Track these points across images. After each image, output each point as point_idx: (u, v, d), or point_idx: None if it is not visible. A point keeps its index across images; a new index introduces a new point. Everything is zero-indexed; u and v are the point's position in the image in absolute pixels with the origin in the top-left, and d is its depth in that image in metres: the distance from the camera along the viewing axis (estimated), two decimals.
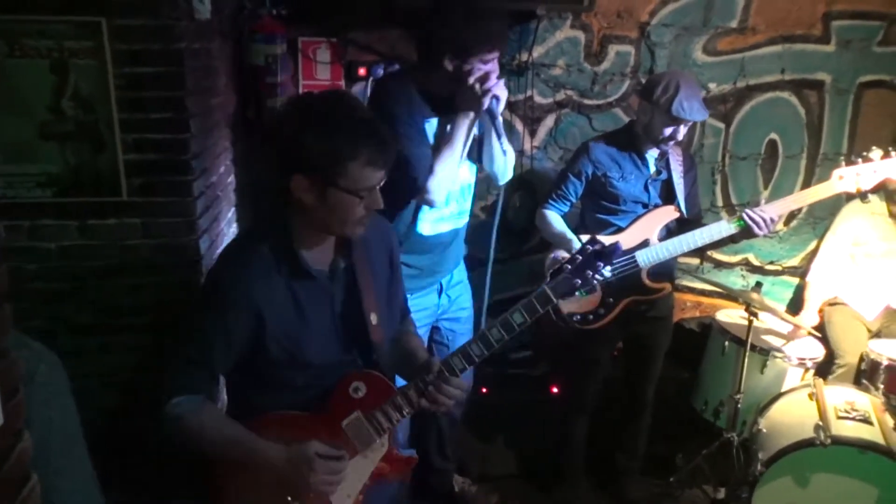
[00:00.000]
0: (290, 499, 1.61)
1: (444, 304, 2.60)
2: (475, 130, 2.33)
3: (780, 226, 3.81)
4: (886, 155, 2.60)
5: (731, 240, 2.72)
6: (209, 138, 2.26)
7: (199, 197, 2.09)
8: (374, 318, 1.67)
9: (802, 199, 2.75)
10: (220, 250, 2.34)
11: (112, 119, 1.95)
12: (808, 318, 3.41)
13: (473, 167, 2.46)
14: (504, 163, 2.43)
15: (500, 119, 2.26)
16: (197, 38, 2.12)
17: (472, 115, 2.21)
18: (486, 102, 2.16)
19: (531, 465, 3.28)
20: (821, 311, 3.49)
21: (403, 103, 2.20)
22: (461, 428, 3.03)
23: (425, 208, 2.33)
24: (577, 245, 2.67)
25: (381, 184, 1.57)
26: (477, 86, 2.14)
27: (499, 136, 2.27)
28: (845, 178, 2.62)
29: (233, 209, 2.65)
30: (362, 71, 3.13)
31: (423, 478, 2.82)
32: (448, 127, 2.24)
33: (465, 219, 2.55)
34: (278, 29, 2.80)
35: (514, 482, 3.23)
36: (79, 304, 2.06)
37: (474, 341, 1.66)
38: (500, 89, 2.18)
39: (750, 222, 2.59)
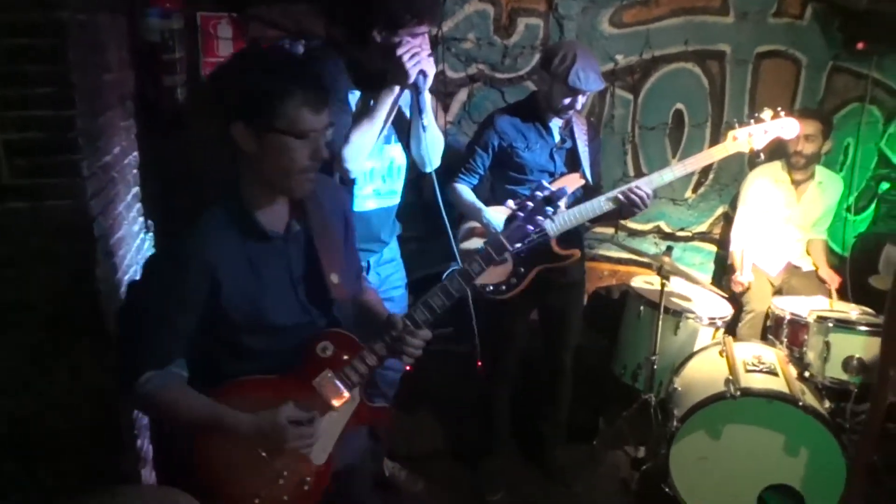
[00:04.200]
0: (265, 455, 1.64)
1: (373, 282, 2.56)
2: (406, 110, 2.29)
3: (688, 193, 3.95)
4: (776, 115, 2.71)
5: (619, 215, 2.77)
6: (100, 116, 2.12)
7: (91, 178, 1.94)
8: (335, 278, 1.68)
9: (700, 161, 2.80)
10: (118, 234, 2.23)
11: None
12: (746, 276, 3.56)
13: (401, 148, 2.41)
14: (427, 146, 2.36)
15: (426, 96, 2.21)
16: (82, 10, 1.98)
17: (397, 89, 2.17)
18: (413, 76, 2.11)
19: (458, 441, 3.30)
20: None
21: (329, 73, 2.14)
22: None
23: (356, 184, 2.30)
24: (486, 213, 2.72)
25: (327, 133, 1.57)
26: (405, 59, 2.09)
27: (420, 112, 2.21)
28: (739, 138, 2.73)
29: (133, 191, 2.51)
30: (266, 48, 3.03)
31: None
32: (372, 101, 2.20)
33: (395, 200, 2.52)
34: (173, 3, 2.67)
35: (442, 459, 3.24)
36: None
37: (435, 293, 1.70)
38: (429, 65, 2.14)
39: (624, 200, 2.64)
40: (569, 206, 2.74)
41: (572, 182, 2.78)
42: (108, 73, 2.27)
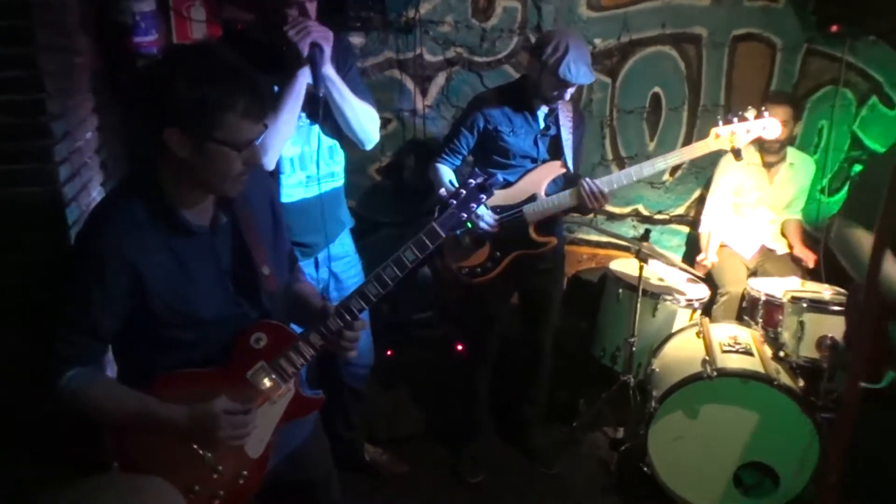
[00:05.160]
0: (200, 451, 1.61)
1: (325, 280, 2.50)
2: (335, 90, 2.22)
3: (666, 176, 3.98)
4: (759, 115, 2.72)
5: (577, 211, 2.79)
6: (71, 100, 2.07)
7: (63, 163, 1.91)
8: (266, 270, 1.65)
9: (680, 156, 2.80)
10: None
11: None
12: (710, 258, 3.63)
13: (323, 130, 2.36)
14: (350, 121, 2.29)
15: (328, 71, 2.16)
16: None
17: (299, 69, 2.13)
18: (305, 50, 2.08)
19: (440, 425, 3.31)
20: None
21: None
22: (369, 393, 3.00)
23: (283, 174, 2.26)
24: None
25: (260, 139, 1.52)
26: (292, 34, 2.06)
27: (316, 83, 2.14)
28: (721, 136, 2.72)
29: (106, 177, 2.47)
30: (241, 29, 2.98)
31: (332, 450, 2.77)
32: (276, 87, 2.15)
33: (337, 182, 2.45)
34: None
35: (424, 443, 3.25)
36: None
37: (370, 281, 1.68)
38: (322, 37, 2.10)
39: (583, 196, 2.64)
40: (548, 194, 2.75)
41: (553, 170, 2.78)
42: (77, 57, 2.22)
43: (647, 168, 2.73)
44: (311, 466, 1.89)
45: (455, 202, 1.72)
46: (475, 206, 1.72)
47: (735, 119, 2.73)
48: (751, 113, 2.72)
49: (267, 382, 1.64)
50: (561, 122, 2.78)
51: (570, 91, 2.68)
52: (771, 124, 2.72)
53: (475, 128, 2.76)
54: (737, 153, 2.75)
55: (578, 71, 2.56)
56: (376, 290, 1.67)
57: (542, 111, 2.77)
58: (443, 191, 2.67)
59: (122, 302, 1.49)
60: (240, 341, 1.62)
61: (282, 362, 1.65)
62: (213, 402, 1.53)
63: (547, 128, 2.79)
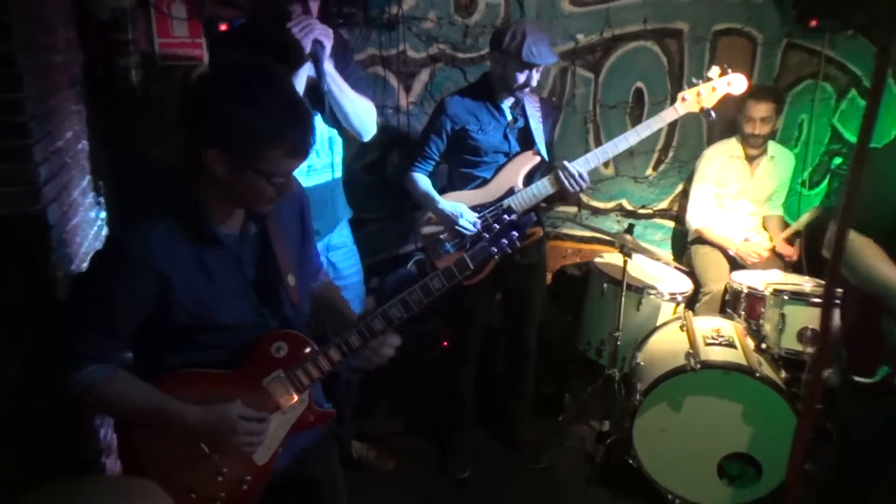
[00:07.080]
0: (207, 451, 1.62)
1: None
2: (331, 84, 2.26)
3: (649, 171, 4.00)
4: (723, 73, 2.77)
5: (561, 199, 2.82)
6: (51, 99, 2.05)
7: (43, 163, 1.88)
8: (291, 280, 1.66)
9: (652, 126, 2.79)
10: (74, 221, 2.17)
11: None
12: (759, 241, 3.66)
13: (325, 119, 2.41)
14: (348, 115, 2.35)
15: (328, 67, 2.21)
16: None
17: (302, 64, 2.18)
18: (308, 47, 2.12)
19: (426, 421, 3.32)
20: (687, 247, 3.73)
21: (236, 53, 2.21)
22: (361, 387, 3.01)
23: None
24: (438, 203, 2.73)
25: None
26: (296, 31, 2.10)
27: (320, 78, 2.19)
28: (688, 99, 2.77)
29: (88, 177, 2.44)
30: (223, 27, 2.95)
31: None
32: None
33: (330, 175, 2.48)
34: None
35: (410, 438, 3.26)
36: None
37: (394, 305, 1.67)
38: (324, 34, 2.16)
39: (563, 179, 2.68)
40: (526, 186, 2.77)
41: (527, 161, 2.79)
42: (57, 55, 2.19)
43: (621, 143, 2.76)
44: (317, 467, 1.90)
45: (487, 236, 1.74)
46: (506, 242, 1.73)
47: (699, 82, 2.79)
48: (714, 71, 2.77)
49: (282, 391, 1.65)
50: (529, 113, 2.79)
51: (536, 76, 2.69)
52: (736, 80, 2.78)
53: (443, 131, 2.77)
54: (706, 113, 2.79)
55: (541, 52, 2.59)
56: (400, 314, 1.67)
57: (508, 103, 2.78)
58: (427, 216, 2.68)
59: (144, 307, 1.51)
60: (260, 347, 1.63)
61: (298, 373, 1.65)
62: (229, 406, 1.55)
63: (514, 120, 2.80)
